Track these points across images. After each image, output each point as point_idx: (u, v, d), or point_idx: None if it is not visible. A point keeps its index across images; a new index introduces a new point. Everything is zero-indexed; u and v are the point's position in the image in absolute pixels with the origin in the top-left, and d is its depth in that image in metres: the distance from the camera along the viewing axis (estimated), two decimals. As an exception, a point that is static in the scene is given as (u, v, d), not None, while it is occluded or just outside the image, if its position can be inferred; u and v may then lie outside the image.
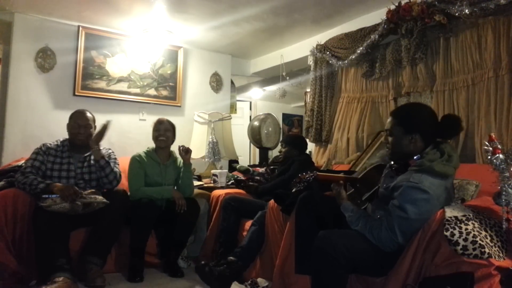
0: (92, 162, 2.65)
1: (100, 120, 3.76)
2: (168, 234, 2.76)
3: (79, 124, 2.64)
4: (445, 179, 1.60)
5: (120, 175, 2.71)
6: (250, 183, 3.27)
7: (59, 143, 2.65)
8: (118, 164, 2.77)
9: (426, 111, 1.76)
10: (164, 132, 2.88)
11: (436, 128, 1.69)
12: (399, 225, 1.56)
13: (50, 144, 2.62)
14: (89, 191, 2.47)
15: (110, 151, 2.81)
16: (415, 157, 1.68)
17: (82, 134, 2.64)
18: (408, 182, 1.57)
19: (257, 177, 3.47)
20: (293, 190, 1.94)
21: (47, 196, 2.34)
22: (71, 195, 2.31)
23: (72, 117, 2.68)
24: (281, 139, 3.28)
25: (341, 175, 2.12)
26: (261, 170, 3.65)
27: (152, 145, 2.98)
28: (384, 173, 1.87)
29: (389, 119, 1.79)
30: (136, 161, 2.83)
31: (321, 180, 1.99)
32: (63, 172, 2.56)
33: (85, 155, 2.66)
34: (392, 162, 1.80)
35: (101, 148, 2.67)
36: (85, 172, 2.63)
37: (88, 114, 2.72)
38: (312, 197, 2.01)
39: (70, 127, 2.66)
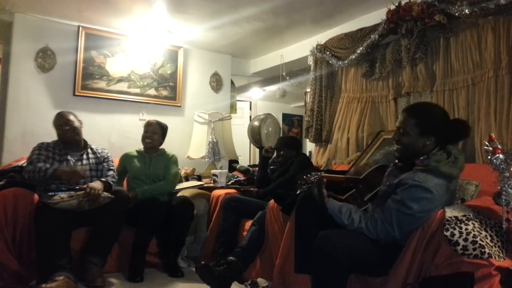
0: (91, 160, 2.71)
1: (100, 120, 3.81)
2: (165, 233, 2.77)
3: (58, 124, 2.66)
4: (449, 180, 1.60)
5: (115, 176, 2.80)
6: (250, 188, 3.25)
7: (54, 143, 2.66)
8: (113, 165, 2.83)
9: (441, 113, 1.73)
10: (151, 134, 3.01)
11: (449, 131, 1.67)
12: (399, 219, 1.56)
13: (48, 143, 2.64)
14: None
15: (106, 151, 2.85)
16: (421, 158, 1.67)
17: (67, 130, 2.64)
18: (413, 181, 1.57)
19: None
20: (298, 191, 1.91)
21: (53, 193, 2.36)
22: (78, 176, 2.39)
23: (53, 122, 2.69)
24: (276, 144, 3.26)
25: (343, 176, 2.13)
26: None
27: None
28: (388, 171, 1.87)
29: (404, 117, 1.71)
30: (120, 158, 3.08)
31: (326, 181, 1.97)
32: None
33: (81, 153, 2.70)
34: (397, 161, 1.77)
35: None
36: (85, 169, 2.63)
37: (66, 113, 2.70)
38: (312, 196, 2.00)
39: (56, 131, 2.67)
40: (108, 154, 2.84)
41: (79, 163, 2.65)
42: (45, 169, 2.39)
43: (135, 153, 3.04)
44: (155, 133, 3.01)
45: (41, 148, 2.57)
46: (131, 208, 2.63)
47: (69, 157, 2.62)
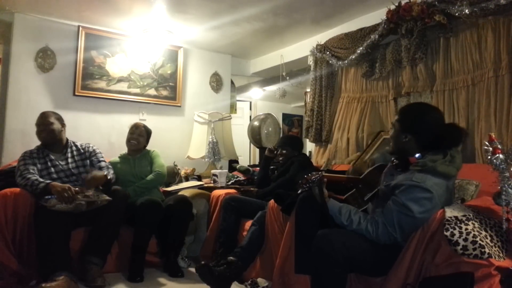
0: (76, 158, 2.70)
1: (100, 120, 3.80)
2: (165, 233, 2.77)
3: (38, 123, 2.65)
4: (447, 179, 1.60)
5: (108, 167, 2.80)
6: (250, 188, 3.25)
7: (36, 148, 2.66)
8: (102, 156, 2.83)
9: (430, 115, 1.71)
10: (137, 136, 3.06)
11: (436, 135, 1.66)
12: (400, 221, 1.56)
13: (31, 150, 2.64)
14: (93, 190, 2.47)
15: (90, 145, 2.83)
16: (416, 155, 1.67)
17: (42, 131, 2.63)
18: (411, 181, 1.57)
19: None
20: (299, 191, 1.91)
21: (50, 196, 2.34)
22: (69, 197, 2.32)
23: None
24: (277, 142, 3.26)
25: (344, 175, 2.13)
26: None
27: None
28: (385, 170, 1.87)
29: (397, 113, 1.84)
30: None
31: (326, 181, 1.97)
32: (51, 168, 2.57)
33: (63, 152, 2.69)
34: (393, 158, 1.80)
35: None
36: (72, 167, 2.64)
37: (47, 114, 2.69)
38: (313, 196, 2.00)
39: (36, 128, 2.67)
40: (94, 148, 2.83)
41: (64, 162, 2.64)
42: (37, 183, 2.38)
43: (118, 159, 3.07)
44: (141, 136, 3.08)
45: (25, 157, 2.56)
46: (129, 208, 2.63)
47: (52, 157, 2.62)
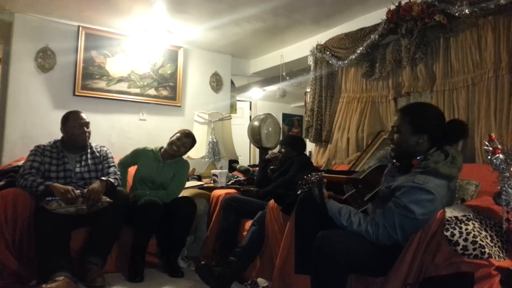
0: (89, 161, 2.66)
1: (100, 120, 3.81)
2: (166, 233, 2.76)
3: (81, 123, 2.61)
4: (449, 180, 1.60)
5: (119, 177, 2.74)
6: (250, 188, 3.25)
7: (52, 144, 2.62)
8: (113, 161, 2.78)
9: (436, 112, 1.73)
10: (181, 145, 2.94)
11: (446, 130, 1.67)
12: (402, 223, 1.56)
13: (45, 145, 2.59)
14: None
15: (105, 148, 2.80)
16: (418, 158, 1.67)
17: (86, 133, 2.63)
18: (413, 183, 1.56)
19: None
20: (299, 192, 1.91)
21: (51, 198, 2.33)
22: (72, 198, 2.32)
23: (70, 119, 2.61)
24: (280, 139, 3.28)
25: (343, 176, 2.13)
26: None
27: (153, 144, 3.07)
28: (386, 170, 1.87)
29: (397, 116, 1.74)
30: (135, 150, 3.03)
31: (326, 181, 1.97)
32: (61, 172, 2.54)
33: (81, 154, 2.65)
34: (394, 160, 1.78)
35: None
36: (84, 171, 2.62)
37: (84, 115, 2.68)
38: (312, 197, 2.01)
39: (72, 128, 2.59)
40: (107, 151, 2.79)
41: (78, 164, 2.61)
42: (37, 185, 2.34)
43: (152, 154, 2.95)
44: (184, 146, 2.95)
45: (37, 153, 2.51)
46: (130, 208, 2.62)
47: (66, 160, 2.58)
